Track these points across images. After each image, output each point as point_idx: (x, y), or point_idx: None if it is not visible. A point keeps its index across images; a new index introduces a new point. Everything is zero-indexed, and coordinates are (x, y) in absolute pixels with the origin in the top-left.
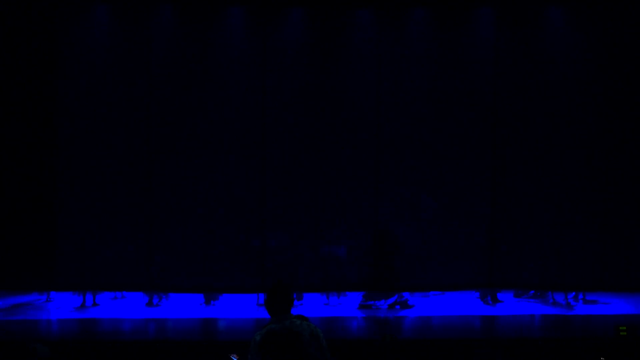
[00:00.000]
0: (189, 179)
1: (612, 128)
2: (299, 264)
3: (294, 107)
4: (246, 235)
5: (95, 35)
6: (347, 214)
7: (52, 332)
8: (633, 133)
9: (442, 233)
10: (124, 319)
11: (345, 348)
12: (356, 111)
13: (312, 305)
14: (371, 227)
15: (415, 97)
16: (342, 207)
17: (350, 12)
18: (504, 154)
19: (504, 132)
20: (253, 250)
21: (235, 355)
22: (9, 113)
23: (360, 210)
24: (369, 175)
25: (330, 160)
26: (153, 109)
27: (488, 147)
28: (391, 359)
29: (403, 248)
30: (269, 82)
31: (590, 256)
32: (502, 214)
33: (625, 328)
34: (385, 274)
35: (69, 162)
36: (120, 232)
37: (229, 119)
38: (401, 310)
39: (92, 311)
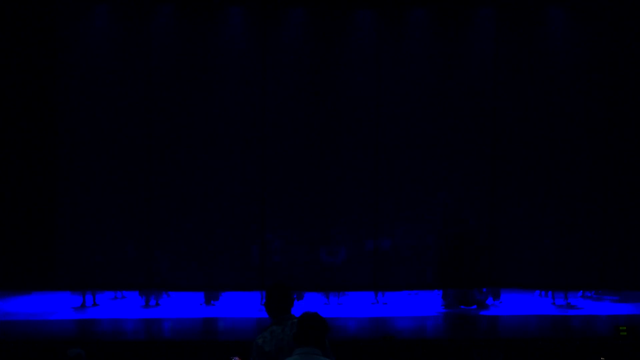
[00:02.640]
0: (189, 178)
1: (613, 128)
2: (299, 263)
3: (294, 107)
4: (246, 234)
5: (95, 35)
6: (347, 213)
7: (52, 332)
8: (634, 132)
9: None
10: (125, 319)
11: (346, 348)
12: (356, 111)
13: (312, 305)
14: (372, 227)
15: (415, 97)
16: (341, 206)
17: (350, 12)
18: (504, 154)
19: (505, 132)
20: (253, 248)
21: (237, 358)
22: (8, 113)
23: (360, 209)
24: (369, 174)
25: (330, 160)
26: (153, 109)
27: (488, 147)
28: (391, 359)
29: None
30: (269, 82)
31: (590, 256)
32: (502, 213)
33: (625, 328)
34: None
35: (68, 161)
36: (119, 231)
37: (229, 118)
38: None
39: (92, 311)
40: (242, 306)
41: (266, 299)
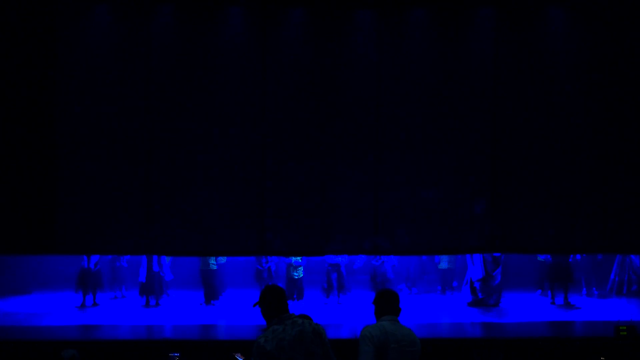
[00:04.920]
0: (189, 178)
1: (613, 128)
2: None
3: (294, 107)
4: (246, 233)
5: (95, 35)
6: (347, 213)
7: (52, 332)
8: (634, 132)
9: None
10: (125, 318)
11: (346, 347)
12: (356, 111)
13: (312, 305)
14: (372, 226)
15: (415, 97)
16: (342, 206)
17: (350, 12)
18: (504, 154)
19: (505, 132)
20: (253, 248)
21: (240, 355)
22: (9, 112)
23: (360, 209)
24: (369, 175)
25: (330, 160)
26: (153, 109)
27: (488, 147)
28: None
29: None
30: (269, 82)
31: (590, 222)
32: (502, 212)
33: (625, 328)
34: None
35: (70, 129)
36: (120, 197)
37: (229, 118)
38: None
39: (92, 311)
40: (242, 306)
41: (262, 303)
